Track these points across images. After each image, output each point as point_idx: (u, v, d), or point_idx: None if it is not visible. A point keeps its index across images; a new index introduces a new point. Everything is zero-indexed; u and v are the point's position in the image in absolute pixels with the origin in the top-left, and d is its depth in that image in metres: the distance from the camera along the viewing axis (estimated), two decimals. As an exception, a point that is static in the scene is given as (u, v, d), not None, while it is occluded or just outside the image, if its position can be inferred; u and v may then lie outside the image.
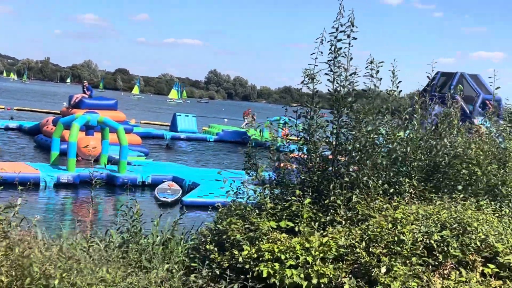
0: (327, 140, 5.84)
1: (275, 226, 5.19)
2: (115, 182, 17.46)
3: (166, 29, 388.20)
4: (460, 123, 6.95)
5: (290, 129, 6.05)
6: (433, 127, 6.62)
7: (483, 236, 4.80)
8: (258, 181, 5.96)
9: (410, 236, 4.67)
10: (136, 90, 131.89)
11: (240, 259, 4.89)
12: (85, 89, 27.14)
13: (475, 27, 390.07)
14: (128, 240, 5.39)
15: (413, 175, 5.91)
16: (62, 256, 3.98)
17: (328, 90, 5.79)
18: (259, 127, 6.63)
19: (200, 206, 15.07)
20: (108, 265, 4.31)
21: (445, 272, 4.60)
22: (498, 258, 4.71)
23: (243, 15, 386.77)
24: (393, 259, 4.54)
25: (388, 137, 6.18)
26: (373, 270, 4.50)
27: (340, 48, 5.63)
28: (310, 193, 5.58)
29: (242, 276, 4.80)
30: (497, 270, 4.64)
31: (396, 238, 4.70)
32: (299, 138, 5.94)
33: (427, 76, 6.70)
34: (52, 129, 23.07)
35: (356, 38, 5.62)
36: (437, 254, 4.67)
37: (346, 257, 4.75)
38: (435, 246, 4.69)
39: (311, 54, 5.65)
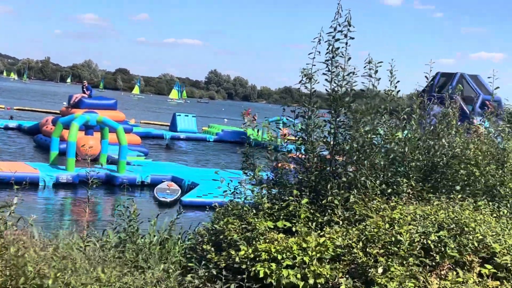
0: (324, 140, 5.82)
1: (272, 226, 5.17)
2: (114, 182, 17.45)
3: (166, 29, 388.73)
4: (459, 123, 6.93)
5: (289, 129, 6.04)
6: (432, 127, 6.60)
7: (480, 237, 4.78)
8: (256, 181, 5.94)
9: (407, 237, 4.65)
10: (136, 90, 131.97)
11: (237, 259, 4.88)
12: (84, 89, 27.16)
13: (475, 28, 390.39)
14: (125, 240, 5.38)
15: (411, 175, 5.89)
16: (57, 255, 3.97)
17: (326, 90, 5.78)
18: (256, 127, 6.62)
19: (199, 206, 15.06)
20: (104, 265, 4.30)
21: (442, 272, 4.58)
22: (495, 258, 4.69)
23: (243, 15, 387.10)
24: (390, 260, 4.52)
25: (386, 137, 6.16)
26: (370, 270, 4.48)
27: (338, 48, 5.62)
28: (308, 193, 5.56)
29: (239, 276, 4.78)
30: (495, 270, 4.62)
31: (393, 239, 4.68)
32: (297, 138, 5.93)
33: (425, 76, 6.69)
34: (51, 128, 23.07)
35: (353, 38, 5.61)
36: (434, 255, 4.65)
37: (343, 257, 4.73)
38: (432, 247, 4.67)
39: (309, 54, 5.64)
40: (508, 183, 6.19)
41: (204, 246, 5.24)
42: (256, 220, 5.17)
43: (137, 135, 26.86)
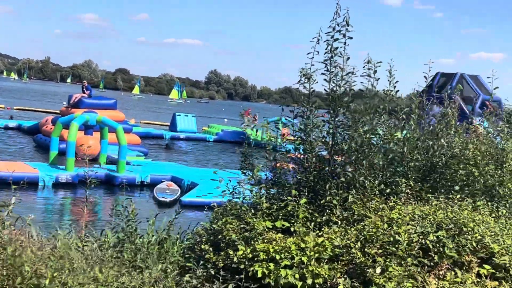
0: (323, 140, 5.81)
1: (270, 226, 5.16)
2: (113, 182, 17.44)
3: (166, 29, 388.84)
4: (458, 123, 6.92)
5: (288, 129, 6.03)
6: (431, 128, 6.59)
7: (479, 237, 4.77)
8: (254, 180, 5.93)
9: (406, 237, 4.65)
10: (136, 90, 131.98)
11: (235, 259, 4.87)
12: (84, 89, 27.16)
13: (475, 28, 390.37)
14: (123, 240, 5.37)
15: (409, 175, 5.88)
16: (54, 255, 3.96)
17: (325, 90, 5.77)
18: (254, 127, 6.62)
19: (199, 206, 15.05)
20: (102, 265, 4.29)
21: (441, 272, 4.57)
22: (494, 259, 4.68)
23: (243, 15, 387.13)
24: (388, 260, 4.51)
25: (385, 137, 6.15)
26: (368, 270, 4.47)
27: (337, 48, 5.62)
28: (306, 193, 5.56)
29: (237, 276, 4.77)
30: (493, 271, 4.61)
31: (391, 239, 4.67)
32: (295, 138, 5.92)
33: (424, 76, 6.68)
34: (51, 128, 23.06)
35: (351, 38, 5.60)
36: (433, 255, 4.64)
37: (341, 258, 4.72)
38: (431, 247, 4.66)
39: (308, 54, 5.63)
40: (507, 183, 6.18)
41: (203, 246, 5.23)
42: (255, 220, 5.16)
43: (137, 135, 26.85)
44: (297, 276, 4.59)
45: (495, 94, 8.06)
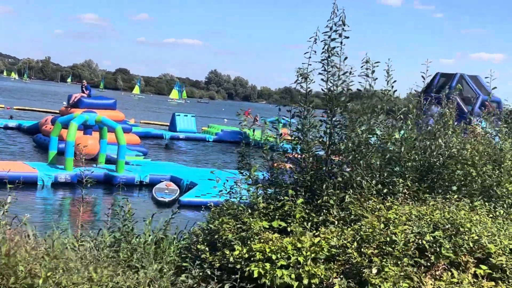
0: (320, 140, 5.80)
1: (267, 226, 5.15)
2: (113, 182, 17.43)
3: (166, 29, 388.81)
4: (456, 123, 6.90)
5: (287, 129, 6.02)
6: (429, 128, 6.58)
7: (476, 237, 4.75)
8: (251, 180, 5.92)
9: (402, 237, 4.63)
10: (136, 90, 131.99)
11: (231, 259, 4.85)
12: (83, 89, 27.15)
13: (475, 28, 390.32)
14: (120, 240, 5.35)
15: (407, 176, 5.87)
16: (49, 255, 3.94)
17: (322, 89, 5.76)
18: (253, 126, 6.61)
19: (198, 206, 15.03)
20: (97, 265, 4.27)
21: (437, 273, 4.56)
22: (490, 259, 4.67)
23: (243, 15, 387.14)
24: (384, 260, 4.49)
25: (383, 137, 6.14)
26: (364, 270, 4.45)
27: (334, 48, 5.60)
28: (303, 193, 5.55)
29: (233, 276, 4.76)
30: (490, 271, 4.60)
31: (388, 239, 4.65)
32: (292, 138, 5.91)
33: (422, 76, 6.66)
34: (51, 128, 23.05)
35: (348, 37, 5.59)
36: (429, 255, 4.62)
37: (337, 258, 4.71)
38: (427, 247, 4.65)
39: (305, 53, 5.63)
40: (504, 184, 6.17)
41: (199, 246, 5.22)
42: (251, 220, 5.15)
43: (136, 135, 26.83)
44: (293, 276, 4.58)
45: (493, 95, 8.05)
